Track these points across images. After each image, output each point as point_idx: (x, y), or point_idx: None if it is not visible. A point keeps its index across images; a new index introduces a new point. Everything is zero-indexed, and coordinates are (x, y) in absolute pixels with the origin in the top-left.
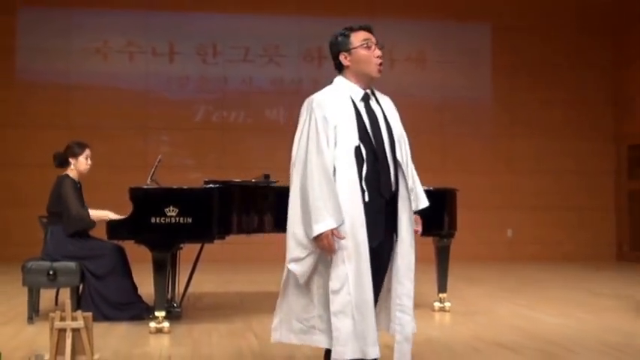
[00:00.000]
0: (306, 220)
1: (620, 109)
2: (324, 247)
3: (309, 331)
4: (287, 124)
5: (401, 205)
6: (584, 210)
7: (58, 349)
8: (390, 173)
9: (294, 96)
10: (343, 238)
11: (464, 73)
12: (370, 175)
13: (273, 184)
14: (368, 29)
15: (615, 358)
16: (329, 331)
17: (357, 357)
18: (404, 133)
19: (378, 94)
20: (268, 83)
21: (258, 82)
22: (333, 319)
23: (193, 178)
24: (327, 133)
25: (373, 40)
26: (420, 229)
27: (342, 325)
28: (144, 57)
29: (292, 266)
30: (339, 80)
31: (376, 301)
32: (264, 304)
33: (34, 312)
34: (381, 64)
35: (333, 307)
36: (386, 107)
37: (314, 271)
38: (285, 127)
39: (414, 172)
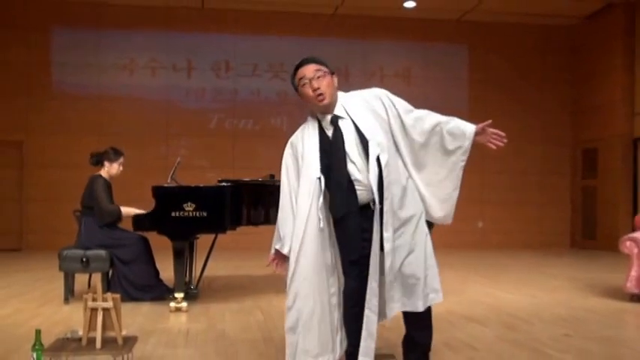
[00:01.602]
0: None
1: (576, 119)
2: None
3: None
4: (289, 130)
5: (386, 216)
6: (543, 205)
7: (91, 326)
8: (352, 190)
9: (296, 106)
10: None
11: (443, 87)
12: (336, 198)
13: (277, 183)
14: (302, 65)
15: (564, 328)
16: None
17: None
18: (407, 117)
19: (352, 101)
20: (274, 95)
21: (265, 94)
22: (287, 336)
23: (208, 178)
24: (297, 169)
25: (308, 75)
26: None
27: (292, 341)
28: (165, 72)
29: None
30: (309, 114)
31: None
32: (270, 285)
33: (69, 294)
34: (319, 95)
35: (286, 324)
36: (360, 117)
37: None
38: (287, 133)
39: (439, 117)
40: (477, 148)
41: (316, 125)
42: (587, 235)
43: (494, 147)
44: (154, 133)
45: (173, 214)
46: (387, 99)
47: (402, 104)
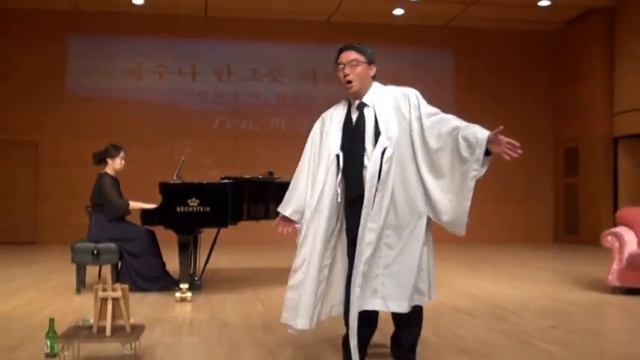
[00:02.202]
0: None
1: (558, 120)
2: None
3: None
4: (287, 130)
5: (376, 207)
6: (528, 201)
7: (101, 315)
8: (360, 175)
9: (293, 108)
10: (283, 222)
11: (431, 89)
12: (347, 178)
13: (276, 180)
14: (343, 50)
15: (549, 319)
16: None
17: (289, 323)
18: (426, 119)
19: (385, 94)
20: (272, 98)
21: (264, 97)
22: (287, 291)
23: (211, 175)
24: (321, 142)
25: (343, 61)
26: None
27: (291, 296)
28: (171, 76)
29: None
30: (344, 96)
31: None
32: (269, 277)
33: (81, 284)
34: (347, 82)
35: (290, 282)
36: (383, 110)
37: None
38: (285, 133)
39: (458, 122)
40: None
41: (346, 107)
42: (570, 230)
43: (508, 158)
44: (161, 133)
45: (178, 209)
46: (415, 99)
47: (426, 108)
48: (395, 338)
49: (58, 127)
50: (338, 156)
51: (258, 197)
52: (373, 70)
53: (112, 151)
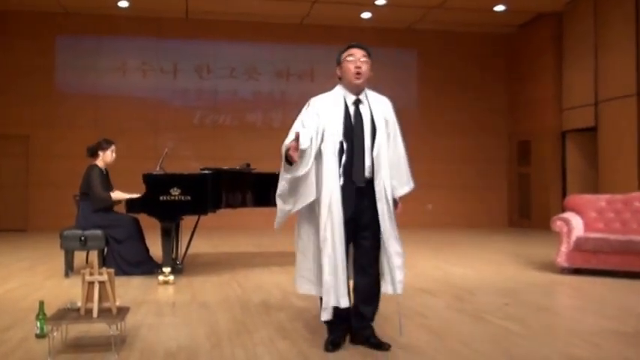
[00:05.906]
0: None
1: (513, 114)
2: (290, 153)
3: (301, 281)
4: (263, 125)
5: (378, 192)
6: (485, 189)
7: (88, 298)
8: (364, 165)
9: (268, 104)
10: (297, 140)
11: (397, 86)
12: (347, 165)
13: (252, 171)
14: (356, 47)
15: (503, 297)
16: (316, 282)
17: (335, 305)
18: (395, 131)
19: (373, 97)
20: (249, 94)
21: (241, 94)
22: (324, 275)
23: (192, 166)
24: (314, 122)
25: (357, 56)
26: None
27: (327, 280)
28: (154, 74)
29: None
30: (337, 88)
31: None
32: (246, 261)
33: (69, 269)
34: (357, 73)
35: (323, 267)
36: (376, 111)
37: (304, 230)
38: (261, 127)
39: (399, 164)
40: (430, 138)
41: (341, 100)
42: (523, 215)
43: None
44: (145, 127)
45: (161, 198)
46: (393, 113)
47: (397, 127)
48: (357, 312)
49: (47, 122)
50: (342, 143)
51: (236, 187)
52: (371, 75)
53: (103, 144)
